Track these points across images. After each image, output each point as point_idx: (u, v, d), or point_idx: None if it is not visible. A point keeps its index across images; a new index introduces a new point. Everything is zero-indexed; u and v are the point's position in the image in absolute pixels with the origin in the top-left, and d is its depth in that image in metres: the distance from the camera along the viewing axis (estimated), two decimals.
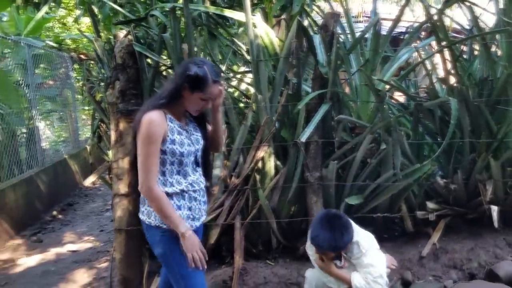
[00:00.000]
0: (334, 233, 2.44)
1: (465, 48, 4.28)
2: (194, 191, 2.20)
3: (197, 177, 2.24)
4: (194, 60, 2.14)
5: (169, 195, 2.11)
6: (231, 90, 4.13)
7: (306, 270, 2.93)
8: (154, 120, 2.02)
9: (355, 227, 2.58)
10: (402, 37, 5.48)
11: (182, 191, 2.15)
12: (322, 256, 2.57)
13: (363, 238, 2.58)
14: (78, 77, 9.20)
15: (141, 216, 2.22)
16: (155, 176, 2.05)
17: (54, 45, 8.01)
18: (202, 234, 2.44)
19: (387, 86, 3.82)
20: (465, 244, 3.56)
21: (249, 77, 4.14)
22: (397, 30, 8.09)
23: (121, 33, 3.43)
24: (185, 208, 2.16)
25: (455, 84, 3.69)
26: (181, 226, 2.04)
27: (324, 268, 2.61)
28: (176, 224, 2.04)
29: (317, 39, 3.51)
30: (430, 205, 3.65)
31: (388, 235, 3.85)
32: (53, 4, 4.10)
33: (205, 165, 2.34)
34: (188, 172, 2.18)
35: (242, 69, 4.40)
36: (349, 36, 4.10)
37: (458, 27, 4.59)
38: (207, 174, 2.39)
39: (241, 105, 4.05)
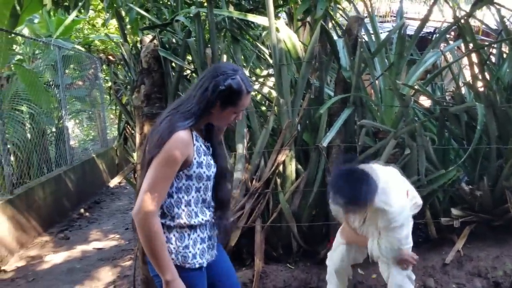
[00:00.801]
0: (352, 187, 2.25)
1: (494, 51, 4.18)
2: (212, 216, 1.94)
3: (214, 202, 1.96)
4: (226, 69, 1.78)
5: (194, 227, 1.84)
6: (253, 93, 4.15)
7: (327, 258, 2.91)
8: (182, 139, 1.71)
9: (378, 174, 2.38)
10: (430, 37, 5.40)
11: (207, 221, 1.89)
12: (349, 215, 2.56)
13: (387, 187, 2.41)
14: (106, 78, 9.42)
15: None
16: (158, 203, 1.72)
17: (82, 49, 8.22)
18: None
19: (412, 91, 3.78)
20: (491, 251, 3.49)
21: (271, 81, 4.16)
22: (426, 30, 7.99)
23: (147, 38, 3.50)
24: (207, 239, 1.91)
25: (482, 89, 3.61)
26: (168, 273, 1.71)
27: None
28: (164, 268, 1.71)
29: (340, 43, 3.49)
30: (455, 211, 3.58)
31: (412, 241, 3.80)
32: (82, 8, 4.21)
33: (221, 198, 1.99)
34: (211, 197, 1.92)
35: (265, 72, 4.42)
36: (373, 36, 4.07)
37: (488, 29, 4.50)
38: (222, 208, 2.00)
39: (263, 108, 4.07)
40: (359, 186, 2.25)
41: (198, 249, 1.85)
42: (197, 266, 1.83)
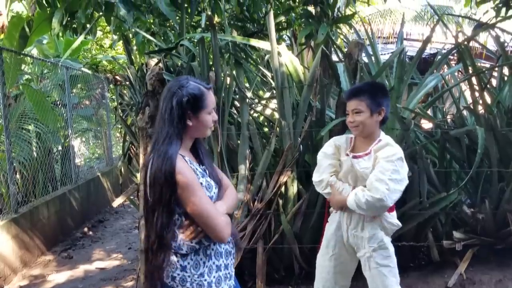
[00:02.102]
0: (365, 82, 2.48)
1: (495, 74, 4.22)
2: (229, 242, 1.91)
3: None
4: (177, 83, 1.82)
5: (208, 254, 1.82)
6: (256, 115, 4.21)
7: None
8: (184, 167, 1.74)
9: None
10: (432, 59, 5.46)
11: (220, 245, 1.88)
12: (353, 112, 2.41)
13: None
14: (113, 97, 9.54)
15: (169, 282, 1.80)
16: (222, 217, 1.78)
17: (89, 71, 8.37)
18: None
19: (413, 114, 3.81)
20: (493, 275, 3.47)
21: (274, 103, 4.22)
22: (429, 51, 8.06)
23: (153, 61, 3.59)
24: (223, 267, 1.88)
25: (482, 112, 3.65)
26: None
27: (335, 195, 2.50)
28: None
29: (341, 67, 3.55)
30: (457, 234, 3.58)
31: (414, 264, 3.80)
32: (90, 32, 4.31)
33: None
34: None
35: (268, 95, 4.49)
36: (373, 58, 4.14)
37: (489, 52, 4.55)
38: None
39: (266, 130, 4.12)
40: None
41: (214, 277, 1.82)
42: None
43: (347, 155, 2.47)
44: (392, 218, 2.50)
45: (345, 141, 2.55)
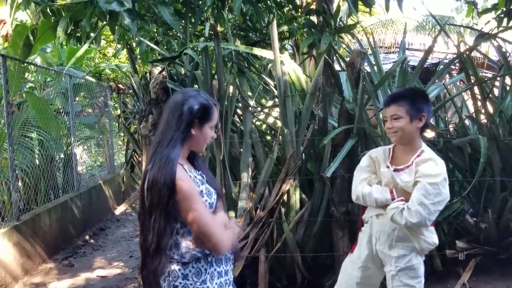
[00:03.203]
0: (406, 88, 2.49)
1: (497, 83, 4.24)
2: (231, 251, 1.93)
3: None
4: (190, 93, 1.89)
5: (207, 255, 1.83)
6: (258, 123, 4.22)
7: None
8: (184, 176, 1.78)
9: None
10: (434, 68, 5.48)
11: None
12: (391, 118, 2.33)
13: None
14: (115, 105, 9.58)
15: None
16: (221, 229, 1.82)
17: (93, 79, 8.42)
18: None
19: None
20: (497, 285, 3.46)
21: (276, 111, 4.23)
22: (431, 61, 8.09)
23: (156, 70, 3.61)
24: (223, 273, 1.90)
25: (484, 122, 3.65)
26: None
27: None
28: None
29: (343, 76, 3.57)
30: (460, 244, 3.57)
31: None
32: (94, 41, 4.34)
33: None
34: None
35: (270, 103, 4.50)
36: (375, 68, 4.16)
37: (491, 62, 4.57)
38: None
39: (268, 138, 4.13)
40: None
41: (216, 283, 1.84)
42: None
43: (388, 167, 2.39)
44: (430, 237, 2.39)
45: (382, 153, 2.46)
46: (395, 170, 2.36)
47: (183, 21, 4.16)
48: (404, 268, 2.38)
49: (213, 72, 3.80)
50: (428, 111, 2.34)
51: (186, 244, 1.80)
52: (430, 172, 2.24)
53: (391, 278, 2.43)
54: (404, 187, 2.31)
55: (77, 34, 4.32)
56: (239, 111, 4.04)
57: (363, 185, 2.43)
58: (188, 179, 1.79)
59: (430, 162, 2.27)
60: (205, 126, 1.87)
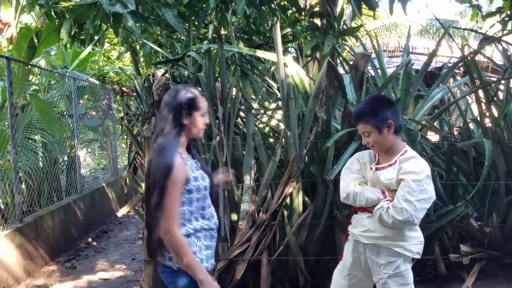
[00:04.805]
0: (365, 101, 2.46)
1: (502, 87, 4.21)
2: (213, 229, 2.21)
3: (214, 212, 2.25)
4: (178, 89, 2.18)
5: (198, 236, 2.12)
6: (261, 125, 4.21)
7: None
8: (178, 166, 2.02)
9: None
10: (438, 72, 5.47)
11: (210, 228, 2.17)
12: (364, 135, 2.38)
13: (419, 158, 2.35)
14: (119, 108, 9.60)
15: (168, 262, 2.11)
16: (178, 221, 2.04)
17: (97, 82, 8.45)
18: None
19: (419, 125, 3.80)
20: None
21: (279, 114, 4.22)
22: (435, 64, 8.08)
23: (159, 72, 3.61)
24: (210, 247, 2.17)
25: (489, 125, 3.63)
26: (201, 273, 2.02)
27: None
28: (196, 270, 2.01)
29: (347, 79, 3.56)
30: (464, 248, 3.55)
31: (421, 278, 3.74)
32: (98, 43, 4.36)
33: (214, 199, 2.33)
34: (209, 204, 2.21)
35: (273, 105, 4.49)
36: (379, 71, 4.14)
37: (495, 65, 4.55)
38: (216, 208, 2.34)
39: (271, 140, 4.12)
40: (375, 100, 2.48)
41: (204, 255, 2.13)
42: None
43: (371, 168, 2.43)
44: (413, 245, 2.37)
45: (368, 156, 2.50)
46: (377, 169, 2.39)
47: (186, 24, 4.17)
48: (393, 275, 2.37)
49: (216, 74, 3.80)
50: (393, 114, 2.35)
51: (182, 221, 2.07)
52: (413, 169, 2.27)
53: (381, 286, 2.43)
54: (388, 184, 2.34)
55: (81, 37, 4.34)
56: (242, 113, 4.03)
57: (355, 184, 2.45)
58: (181, 168, 2.04)
59: (413, 160, 2.31)
60: (194, 114, 2.12)
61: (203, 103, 2.16)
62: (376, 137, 2.34)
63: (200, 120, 2.15)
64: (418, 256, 2.40)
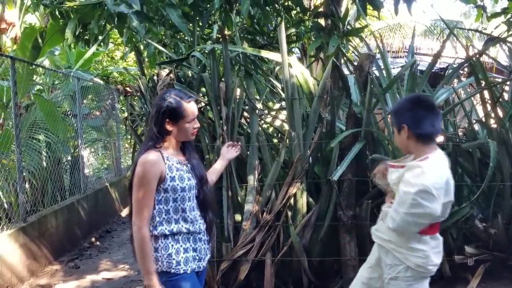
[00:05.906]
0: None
1: (507, 88, 4.19)
2: (199, 232, 2.21)
3: (199, 215, 2.23)
4: (163, 95, 2.19)
5: (176, 239, 2.13)
6: (265, 126, 4.21)
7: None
8: (148, 161, 2.07)
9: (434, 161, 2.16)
10: (443, 73, 5.45)
11: (193, 232, 2.17)
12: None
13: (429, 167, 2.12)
14: (123, 108, 9.61)
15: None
16: (146, 218, 2.08)
17: (101, 81, 8.46)
18: (205, 274, 2.40)
19: None
20: None
21: (283, 114, 4.22)
22: (439, 65, 8.04)
23: (164, 72, 3.61)
24: (190, 250, 2.17)
25: (494, 126, 3.61)
26: (148, 277, 2.04)
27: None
28: (147, 272, 2.04)
29: (351, 79, 3.55)
30: (469, 249, 3.53)
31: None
32: (102, 43, 4.36)
33: (204, 201, 2.27)
34: (193, 207, 2.19)
35: (277, 106, 4.49)
36: (384, 72, 4.13)
37: (500, 66, 4.53)
38: (205, 211, 2.28)
39: (275, 141, 4.11)
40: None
41: (182, 257, 2.13)
42: (181, 272, 2.12)
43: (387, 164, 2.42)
44: (415, 256, 2.22)
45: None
46: (391, 166, 2.34)
47: (191, 24, 4.16)
48: (394, 278, 2.32)
49: (221, 74, 3.79)
50: (408, 118, 2.20)
51: (158, 219, 2.12)
52: (409, 180, 2.13)
53: (385, 285, 2.41)
54: (392, 185, 2.32)
55: (85, 37, 4.34)
56: (246, 113, 4.03)
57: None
58: (153, 165, 2.06)
59: (417, 170, 2.13)
60: (179, 122, 2.14)
61: (188, 110, 2.14)
62: (396, 136, 2.34)
63: (186, 127, 2.16)
64: (422, 270, 2.23)
